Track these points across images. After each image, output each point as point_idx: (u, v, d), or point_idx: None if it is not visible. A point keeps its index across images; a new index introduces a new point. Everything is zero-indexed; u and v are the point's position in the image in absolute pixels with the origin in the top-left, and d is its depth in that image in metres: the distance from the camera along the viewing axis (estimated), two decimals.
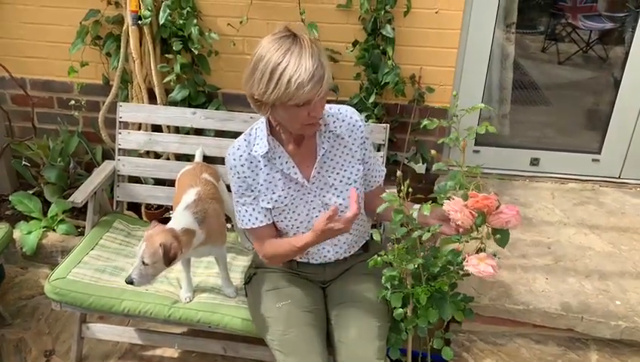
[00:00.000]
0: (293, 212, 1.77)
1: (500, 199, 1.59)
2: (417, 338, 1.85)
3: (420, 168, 2.83)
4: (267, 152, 1.71)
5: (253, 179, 1.75)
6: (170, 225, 1.89)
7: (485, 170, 3.12)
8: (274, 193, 1.75)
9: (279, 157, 1.73)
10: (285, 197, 1.76)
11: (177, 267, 2.06)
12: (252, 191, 1.76)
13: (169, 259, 1.77)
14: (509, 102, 3.18)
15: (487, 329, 2.21)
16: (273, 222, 1.81)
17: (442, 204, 1.59)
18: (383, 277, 1.72)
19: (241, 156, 1.74)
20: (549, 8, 4.55)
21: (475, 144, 3.00)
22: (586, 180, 3.00)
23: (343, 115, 1.77)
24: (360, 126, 1.78)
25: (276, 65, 1.50)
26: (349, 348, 1.73)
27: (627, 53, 2.77)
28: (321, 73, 1.51)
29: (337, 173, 1.78)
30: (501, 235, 1.59)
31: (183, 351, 2.37)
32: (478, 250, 1.62)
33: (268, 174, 1.74)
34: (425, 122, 1.69)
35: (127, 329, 2.26)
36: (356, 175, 1.79)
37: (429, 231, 1.62)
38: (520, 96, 3.68)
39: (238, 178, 1.75)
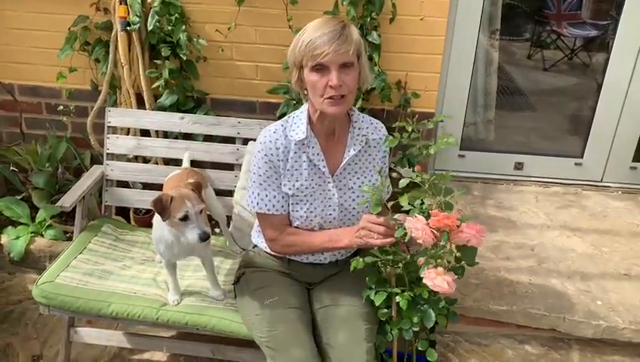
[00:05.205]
0: (311, 204, 1.82)
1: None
2: (403, 339, 1.87)
3: (406, 172, 2.86)
4: (304, 139, 1.77)
5: (284, 163, 1.80)
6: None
7: (469, 174, 3.17)
8: (297, 180, 1.81)
9: (312, 147, 1.80)
10: (306, 188, 1.81)
11: (164, 271, 2.08)
12: (278, 176, 1.81)
13: (200, 191, 1.93)
14: (494, 108, 3.24)
15: (472, 329, 2.25)
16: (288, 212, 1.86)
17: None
18: (367, 278, 1.75)
19: (277, 140, 1.79)
20: (533, 15, 4.62)
21: (461, 148, 3.04)
22: (569, 184, 3.05)
23: (374, 127, 1.89)
24: (385, 142, 1.88)
25: (304, 32, 1.69)
26: (339, 352, 1.73)
27: (607, 60, 2.84)
28: (337, 35, 1.62)
29: (358, 178, 1.86)
30: (464, 253, 1.60)
31: (171, 354, 2.37)
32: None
33: (296, 161, 1.80)
34: (393, 136, 1.76)
35: (115, 333, 2.27)
36: (373, 184, 1.86)
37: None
38: (506, 102, 3.74)
39: (269, 160, 1.79)
